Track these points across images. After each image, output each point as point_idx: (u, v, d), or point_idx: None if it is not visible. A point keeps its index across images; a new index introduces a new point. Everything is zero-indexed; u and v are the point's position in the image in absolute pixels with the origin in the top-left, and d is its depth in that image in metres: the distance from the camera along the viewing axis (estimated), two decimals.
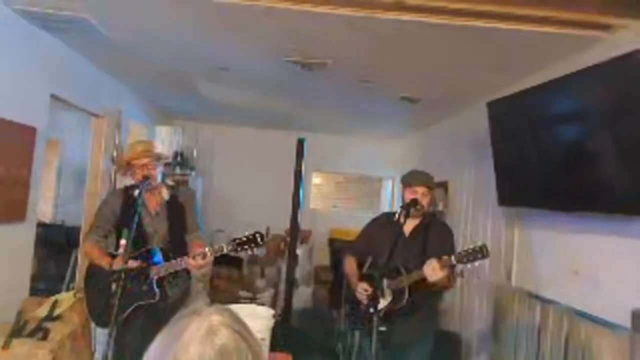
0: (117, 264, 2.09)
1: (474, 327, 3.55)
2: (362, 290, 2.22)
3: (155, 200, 2.28)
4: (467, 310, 3.69)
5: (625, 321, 1.89)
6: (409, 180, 2.32)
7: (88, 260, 2.32)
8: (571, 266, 2.40)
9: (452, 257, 2.05)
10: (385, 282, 2.17)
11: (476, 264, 2.03)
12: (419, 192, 2.26)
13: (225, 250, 2.08)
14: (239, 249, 2.06)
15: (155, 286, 2.13)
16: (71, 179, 5.07)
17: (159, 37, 2.85)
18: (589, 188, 2.13)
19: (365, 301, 2.20)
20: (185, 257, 2.11)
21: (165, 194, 2.30)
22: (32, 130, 2.83)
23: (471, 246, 2.06)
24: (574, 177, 2.22)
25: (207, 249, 2.09)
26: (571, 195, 2.25)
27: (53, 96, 3.08)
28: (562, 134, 2.32)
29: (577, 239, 2.40)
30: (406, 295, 2.16)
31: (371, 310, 2.00)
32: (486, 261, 3.32)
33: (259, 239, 2.07)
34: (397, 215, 2.23)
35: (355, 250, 2.48)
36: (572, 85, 2.17)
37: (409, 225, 2.28)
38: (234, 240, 2.08)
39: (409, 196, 2.29)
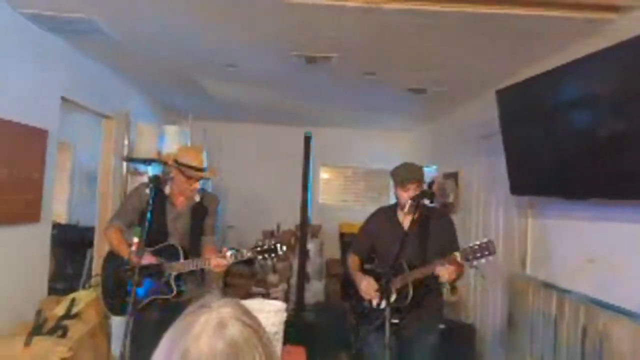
0: (148, 259, 2.14)
1: (488, 318, 3.52)
2: (366, 285, 2.21)
3: (184, 202, 2.34)
4: (482, 301, 3.67)
5: None
6: (401, 179, 2.24)
7: (108, 245, 2.35)
8: (587, 255, 2.37)
9: (458, 255, 2.03)
10: (389, 279, 2.13)
11: (482, 261, 2.00)
12: (411, 189, 2.20)
13: (245, 257, 2.13)
14: (259, 257, 2.11)
15: (173, 282, 2.18)
16: (84, 180, 5.15)
17: (165, 37, 2.87)
18: (603, 175, 2.08)
19: (369, 299, 2.20)
20: (208, 257, 2.18)
21: (197, 197, 2.36)
22: (44, 133, 2.87)
23: (477, 242, 2.02)
24: (587, 164, 2.17)
25: (229, 253, 2.14)
26: (585, 183, 2.21)
27: (64, 99, 3.12)
28: (574, 120, 2.27)
29: (593, 227, 2.35)
30: (410, 293, 2.14)
31: (377, 307, 2.00)
32: (500, 251, 3.33)
33: (279, 250, 2.12)
34: (405, 208, 2.22)
35: (357, 248, 2.46)
36: (583, 69, 2.12)
37: (407, 220, 2.26)
38: (256, 247, 2.13)
39: (402, 194, 2.24)
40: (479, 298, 3.71)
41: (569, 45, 2.47)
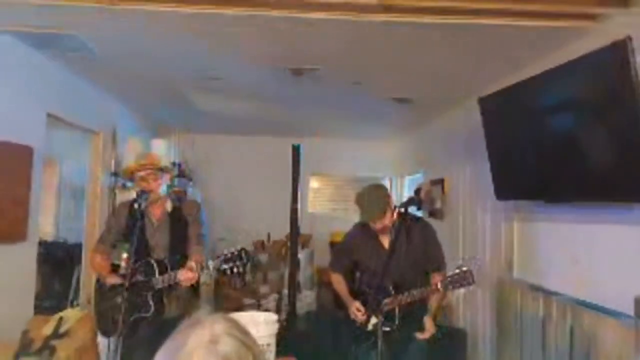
0: (114, 279, 2.16)
1: (478, 322, 3.55)
2: (355, 310, 2.23)
3: (158, 212, 2.30)
4: (471, 305, 3.70)
5: (629, 309, 1.89)
6: (364, 217, 2.19)
7: (95, 270, 2.36)
8: (571, 256, 2.42)
9: (439, 284, 2.08)
10: (375, 301, 2.12)
11: (461, 290, 2.06)
12: (378, 222, 2.17)
13: (211, 268, 2.08)
14: (224, 265, 2.06)
15: (149, 299, 2.14)
16: (71, 197, 5.08)
17: (149, 51, 2.88)
18: (584, 178, 2.14)
19: (359, 320, 2.21)
20: (176, 271, 2.12)
21: (168, 206, 2.31)
22: (29, 150, 2.84)
23: (457, 270, 2.07)
24: (569, 167, 2.22)
25: (192, 264, 2.10)
26: (567, 186, 2.26)
27: (49, 115, 3.10)
28: (555, 125, 2.34)
29: (576, 229, 2.41)
30: (397, 315, 2.18)
31: (367, 328, 2.01)
32: (487, 255, 3.38)
33: (243, 256, 2.07)
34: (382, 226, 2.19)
35: (340, 267, 2.45)
36: (563, 76, 2.19)
37: (386, 237, 2.24)
38: (219, 257, 2.09)
39: (371, 225, 2.21)
40: (468, 303, 3.74)
41: (549, 53, 2.54)
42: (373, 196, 2.16)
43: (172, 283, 2.13)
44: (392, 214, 2.20)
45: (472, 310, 3.68)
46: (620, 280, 2.05)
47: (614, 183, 1.96)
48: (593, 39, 2.11)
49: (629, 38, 1.75)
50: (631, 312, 1.88)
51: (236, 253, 2.07)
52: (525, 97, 2.47)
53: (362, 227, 2.36)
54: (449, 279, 2.07)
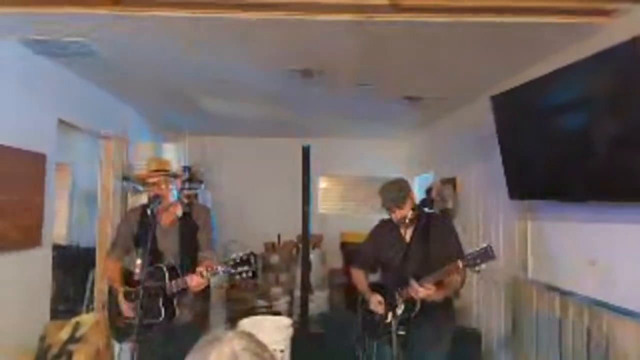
0: (124, 287, 2.20)
1: (492, 322, 3.52)
2: (376, 302, 2.24)
3: (169, 218, 2.31)
4: (485, 305, 3.66)
5: None
6: (384, 205, 2.28)
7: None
8: (587, 256, 2.38)
9: (460, 262, 2.06)
10: (396, 292, 2.17)
11: (483, 266, 2.03)
12: (397, 212, 2.24)
13: (220, 272, 2.06)
14: (232, 270, 2.05)
15: (161, 305, 2.13)
16: (83, 201, 5.14)
17: (159, 56, 2.89)
18: (599, 176, 2.10)
19: (379, 312, 2.21)
20: (185, 277, 2.12)
21: (179, 211, 2.32)
22: (42, 157, 2.88)
23: (477, 248, 2.05)
24: (581, 166, 2.19)
25: (202, 269, 2.09)
26: (582, 185, 2.22)
27: (60, 121, 3.13)
28: (569, 123, 2.30)
29: (592, 229, 2.37)
30: (418, 305, 2.16)
31: (387, 320, 2.00)
32: (501, 256, 3.33)
33: (252, 261, 2.05)
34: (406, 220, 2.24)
35: (361, 262, 2.49)
36: (576, 74, 2.15)
37: (408, 231, 2.29)
38: (227, 261, 2.07)
39: (391, 215, 2.28)
40: (483, 303, 3.71)
41: (562, 50, 2.50)
42: (394, 187, 2.28)
43: (181, 289, 2.13)
44: (413, 206, 2.26)
45: (487, 311, 3.64)
46: (637, 280, 2.01)
47: (630, 182, 1.92)
48: (606, 35, 2.07)
49: None
50: None
51: (245, 257, 2.06)
52: (539, 95, 2.44)
53: (385, 223, 2.45)
54: (469, 256, 2.04)
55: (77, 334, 2.53)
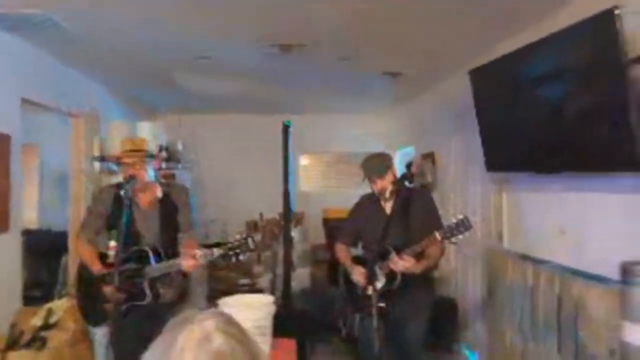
0: (103, 268, 2.10)
1: (469, 292, 3.63)
2: (359, 273, 2.27)
3: (147, 199, 2.24)
4: (462, 275, 3.77)
5: (615, 275, 1.93)
6: (365, 176, 2.35)
7: (79, 259, 2.29)
8: (559, 225, 2.45)
9: (438, 234, 2.11)
10: (377, 264, 2.19)
11: (460, 237, 2.07)
12: (378, 183, 2.30)
13: (215, 255, 2.04)
14: (230, 252, 2.03)
15: (146, 288, 2.11)
16: (54, 183, 4.96)
17: (130, 29, 2.75)
18: (573, 148, 2.14)
19: (361, 284, 2.24)
20: (178, 259, 2.09)
21: (158, 192, 2.26)
22: (6, 138, 2.74)
23: (453, 220, 2.10)
24: (556, 138, 2.22)
25: (197, 252, 2.06)
26: (555, 157, 2.26)
27: (24, 100, 2.97)
28: (544, 96, 2.31)
29: (564, 199, 2.43)
30: (399, 277, 2.21)
31: (368, 292, 2.03)
32: (478, 227, 3.41)
33: (250, 244, 2.04)
34: (384, 196, 2.26)
35: (344, 236, 2.54)
36: (551, 46, 2.15)
37: (389, 204, 2.33)
38: (224, 244, 2.05)
39: (372, 186, 2.35)
40: (460, 273, 3.81)
41: (538, 23, 2.49)
42: (376, 159, 2.36)
43: (173, 271, 2.10)
44: (394, 180, 2.30)
45: (464, 280, 3.74)
46: (607, 247, 2.09)
47: (602, 153, 1.96)
48: (579, 7, 2.06)
49: (616, 7, 1.71)
50: (617, 278, 1.91)
51: (243, 240, 2.05)
52: (514, 69, 2.44)
53: (366, 197, 2.52)
54: (447, 227, 2.10)
55: (51, 320, 2.47)
